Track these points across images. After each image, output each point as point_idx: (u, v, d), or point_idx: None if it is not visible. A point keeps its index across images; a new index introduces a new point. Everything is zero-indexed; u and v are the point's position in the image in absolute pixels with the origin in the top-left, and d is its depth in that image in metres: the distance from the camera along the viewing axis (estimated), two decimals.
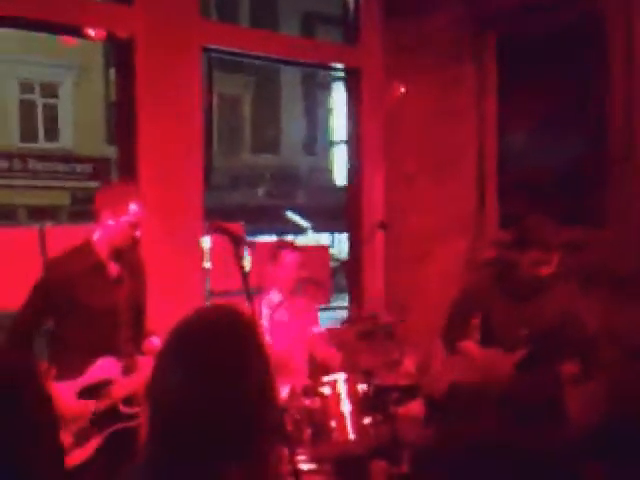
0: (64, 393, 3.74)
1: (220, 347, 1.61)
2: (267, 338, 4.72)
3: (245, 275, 3.06)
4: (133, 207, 3.87)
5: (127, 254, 3.99)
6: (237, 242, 3.15)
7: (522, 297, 4.25)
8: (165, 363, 1.63)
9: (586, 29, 5.65)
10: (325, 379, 4.04)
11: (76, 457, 3.68)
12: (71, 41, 5.90)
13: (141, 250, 4.44)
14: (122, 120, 5.59)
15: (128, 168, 5.41)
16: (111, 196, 3.94)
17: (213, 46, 5.96)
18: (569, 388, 4.15)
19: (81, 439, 3.73)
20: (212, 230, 3.61)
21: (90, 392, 3.77)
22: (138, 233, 3.91)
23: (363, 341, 5.08)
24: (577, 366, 4.09)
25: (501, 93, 6.25)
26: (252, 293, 3.36)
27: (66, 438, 3.69)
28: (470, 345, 4.36)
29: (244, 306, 3.14)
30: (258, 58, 6.69)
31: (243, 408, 1.59)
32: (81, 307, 3.83)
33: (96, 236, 3.92)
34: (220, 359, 1.60)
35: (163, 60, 5.46)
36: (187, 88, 5.61)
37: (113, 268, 3.94)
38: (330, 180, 22.26)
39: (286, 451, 2.97)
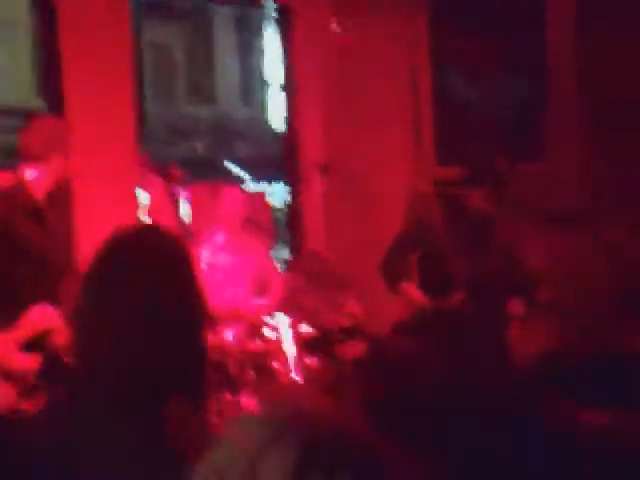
0: (6, 344, 3.68)
1: (148, 261, 1.57)
2: (205, 280, 4.71)
3: (180, 218, 3.04)
4: (43, 131, 3.78)
5: (58, 198, 3.94)
6: (169, 179, 3.11)
7: (468, 234, 4.31)
8: (92, 282, 1.60)
9: None
10: (269, 321, 4.06)
11: (25, 408, 3.65)
12: None
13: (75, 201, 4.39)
14: (47, 72, 5.47)
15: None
16: (45, 132, 3.83)
17: None
18: (514, 327, 4.22)
19: (30, 394, 3.68)
20: (143, 166, 3.56)
21: (32, 343, 3.72)
22: (55, 154, 3.78)
23: (305, 284, 5.13)
24: (521, 305, 4.17)
25: (437, 28, 6.26)
26: (189, 236, 3.33)
27: (13, 390, 3.67)
28: (412, 289, 4.39)
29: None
30: None
31: (174, 327, 1.55)
32: (14, 247, 3.77)
33: (30, 176, 3.81)
34: (147, 273, 1.56)
35: (88, 6, 5.33)
36: (115, 35, 5.49)
37: (48, 211, 3.87)
38: (269, 129, 22.08)
39: (229, 394, 3.00)
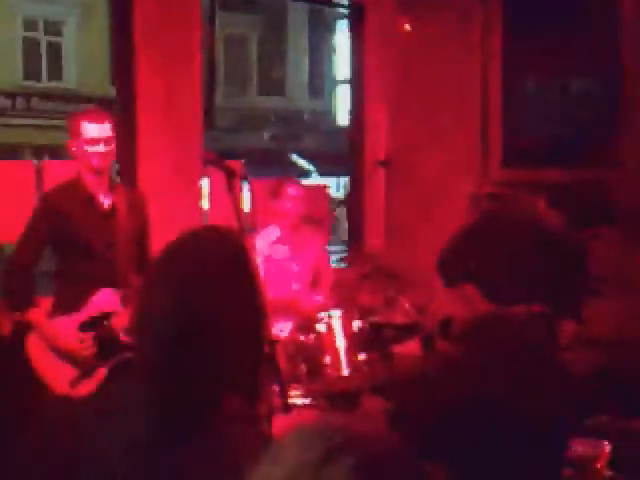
0: (64, 328, 3.78)
1: (209, 265, 1.59)
2: (262, 274, 4.73)
3: (239, 211, 3.04)
4: (87, 125, 3.82)
5: (122, 189, 3.99)
6: (231, 175, 3.12)
7: (534, 243, 4.23)
8: (153, 284, 1.61)
9: None
10: (321, 315, 4.05)
11: (83, 389, 3.72)
12: None
13: (139, 187, 4.43)
14: (119, 60, 5.53)
15: (126, 108, 5.36)
16: (70, 123, 3.91)
17: None
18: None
19: (87, 371, 3.76)
20: (206, 162, 3.57)
21: (90, 325, 3.80)
22: (105, 148, 3.84)
23: (362, 280, 5.10)
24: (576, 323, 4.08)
25: (508, 31, 6.16)
26: (248, 230, 3.33)
27: (72, 371, 3.75)
28: (472, 290, 4.32)
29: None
30: None
31: (233, 329, 1.57)
32: (76, 241, 3.85)
33: (83, 170, 3.91)
34: (208, 277, 1.58)
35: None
36: (186, 26, 5.52)
37: (104, 200, 3.94)
38: (335, 123, 22.10)
39: (278, 386, 2.99)
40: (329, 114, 23.16)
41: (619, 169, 5.51)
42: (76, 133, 3.84)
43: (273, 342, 3.23)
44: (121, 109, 5.50)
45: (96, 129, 3.83)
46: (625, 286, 4.89)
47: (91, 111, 4.01)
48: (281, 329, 4.44)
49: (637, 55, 5.43)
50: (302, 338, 3.96)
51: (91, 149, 3.82)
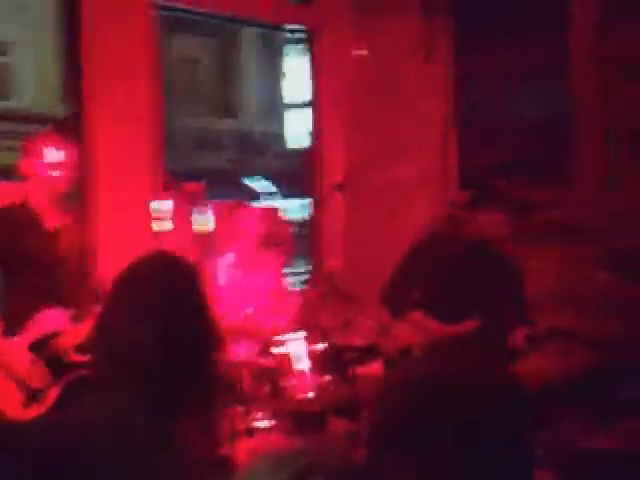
0: (14, 349, 3.72)
1: (162, 288, 1.66)
2: (220, 297, 4.71)
3: (196, 233, 3.01)
4: (47, 150, 3.82)
5: (70, 202, 4.01)
6: (190, 198, 3.10)
7: (473, 260, 4.27)
8: (109, 304, 1.70)
9: None
10: (283, 337, 4.03)
11: (34, 411, 3.65)
12: None
13: (94, 208, 4.40)
14: (69, 78, 5.49)
15: (77, 130, 5.29)
16: (27, 145, 3.91)
17: (166, 3, 5.83)
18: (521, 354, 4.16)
19: (38, 393, 3.70)
20: (165, 186, 3.56)
21: (40, 345, 3.75)
22: (63, 175, 3.84)
23: (321, 301, 5.10)
24: (527, 331, 4.12)
25: (460, 46, 6.21)
26: (207, 252, 3.32)
27: (22, 394, 3.68)
28: (419, 317, 4.31)
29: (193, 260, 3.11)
30: (211, 16, 6.60)
31: (184, 346, 1.63)
32: (25, 259, 3.83)
33: (31, 190, 3.90)
34: (161, 299, 1.65)
35: (111, 17, 5.33)
36: (137, 47, 5.49)
37: (53, 218, 3.93)
38: (289, 145, 22.14)
39: (241, 408, 2.97)
40: (283, 136, 23.23)
41: (571, 190, 5.59)
42: (35, 155, 3.81)
43: (234, 364, 3.22)
44: (71, 131, 5.44)
45: (58, 153, 3.82)
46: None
47: (53, 134, 4.01)
48: (242, 352, 4.42)
49: (586, 83, 5.53)
50: (264, 360, 3.94)
51: (51, 173, 3.80)
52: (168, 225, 4.41)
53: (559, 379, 4.38)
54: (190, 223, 3.15)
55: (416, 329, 4.30)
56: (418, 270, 4.40)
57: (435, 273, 4.32)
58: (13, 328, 3.77)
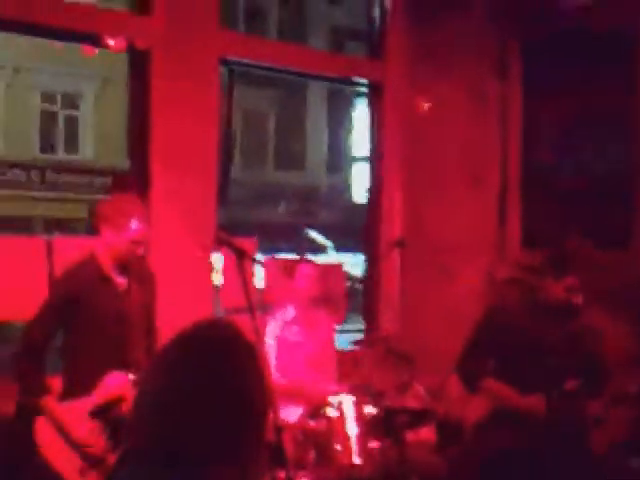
0: (75, 414, 3.72)
1: (211, 361, 1.65)
2: (273, 358, 4.70)
3: (249, 290, 3.04)
4: (134, 223, 3.84)
5: (134, 265, 4.00)
6: (241, 256, 3.13)
7: (550, 324, 4.18)
8: (156, 373, 1.67)
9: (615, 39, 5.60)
10: (332, 400, 4.00)
11: (92, 478, 3.66)
12: (92, 51, 5.98)
13: (149, 261, 4.45)
14: (135, 132, 5.63)
15: (140, 181, 5.44)
16: (112, 210, 3.91)
17: (233, 58, 5.98)
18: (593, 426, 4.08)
19: (97, 461, 3.70)
20: (216, 242, 3.58)
21: (101, 411, 3.74)
22: (141, 250, 3.89)
23: (375, 363, 5.06)
24: (602, 405, 4.03)
25: (527, 102, 6.21)
26: (259, 310, 3.34)
27: (80, 460, 3.69)
28: (493, 384, 4.23)
29: (247, 323, 3.13)
30: (278, 71, 6.73)
31: (228, 424, 1.61)
32: (89, 320, 3.84)
33: (99, 250, 3.92)
34: (210, 374, 1.63)
35: (179, 71, 5.48)
36: (203, 100, 5.63)
37: (119, 280, 3.95)
38: (352, 199, 22.25)
39: (284, 473, 2.94)
40: (347, 188, 23.36)
41: (630, 251, 5.49)
42: (120, 225, 3.84)
43: (280, 428, 3.20)
44: (134, 184, 5.57)
45: (142, 230, 3.86)
46: None
47: (139, 207, 3.97)
48: (290, 414, 4.40)
49: None
50: (312, 424, 3.91)
51: (133, 247, 3.85)
52: (220, 280, 4.47)
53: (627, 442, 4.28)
54: (243, 280, 3.17)
55: (490, 399, 4.24)
56: (492, 338, 4.31)
57: (510, 340, 4.24)
58: (74, 390, 3.79)
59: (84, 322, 3.84)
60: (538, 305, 4.25)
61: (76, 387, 3.80)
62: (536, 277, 4.34)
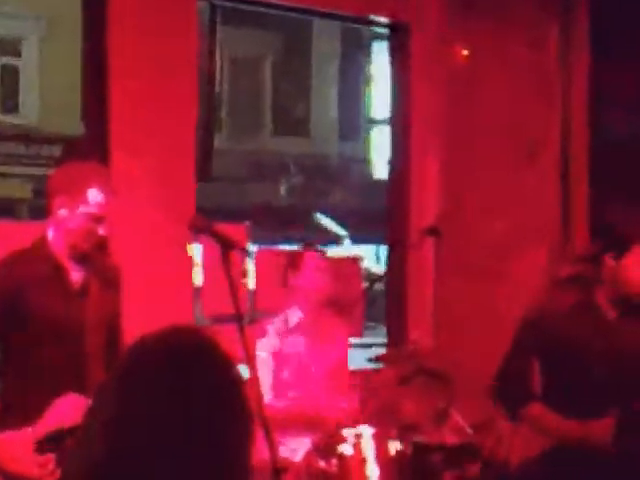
0: (18, 446, 3.70)
1: (172, 382, 1.64)
2: (268, 376, 4.71)
3: (236, 291, 3.03)
4: (94, 193, 3.81)
5: (96, 259, 3.99)
6: (226, 247, 3.10)
7: (611, 328, 4.23)
8: (103, 399, 1.69)
9: None
10: (346, 433, 4.02)
11: None
12: None
13: (113, 255, 4.45)
14: (90, 88, 5.65)
15: (97, 151, 5.44)
16: (66, 178, 3.90)
17: None
18: None
19: None
20: (194, 229, 3.56)
21: (51, 442, 3.72)
22: (102, 230, 3.87)
23: (403, 386, 5.08)
24: None
25: (595, 61, 6.22)
26: (250, 316, 3.35)
27: None
28: (539, 410, 4.28)
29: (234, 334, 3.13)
30: (276, 7, 6.72)
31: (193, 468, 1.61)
32: (36, 326, 3.83)
33: (50, 233, 3.91)
34: (170, 399, 1.63)
35: (147, 5, 5.49)
36: (177, 44, 5.62)
37: (76, 275, 3.94)
38: (371, 174, 22.28)
39: None
40: (364, 162, 23.38)
41: None
42: (76, 196, 3.82)
43: (279, 469, 3.21)
44: (90, 154, 5.58)
45: (105, 204, 3.83)
46: None
47: (99, 175, 3.96)
48: (294, 449, 4.41)
49: None
50: (321, 463, 3.93)
51: (92, 225, 3.83)
52: (199, 279, 4.45)
53: None
54: (228, 278, 3.16)
55: (536, 431, 4.27)
56: (538, 348, 4.36)
57: (560, 352, 4.29)
58: (18, 416, 3.77)
59: (30, 329, 3.83)
60: (592, 304, 4.29)
61: (19, 414, 3.79)
62: (592, 267, 4.40)
